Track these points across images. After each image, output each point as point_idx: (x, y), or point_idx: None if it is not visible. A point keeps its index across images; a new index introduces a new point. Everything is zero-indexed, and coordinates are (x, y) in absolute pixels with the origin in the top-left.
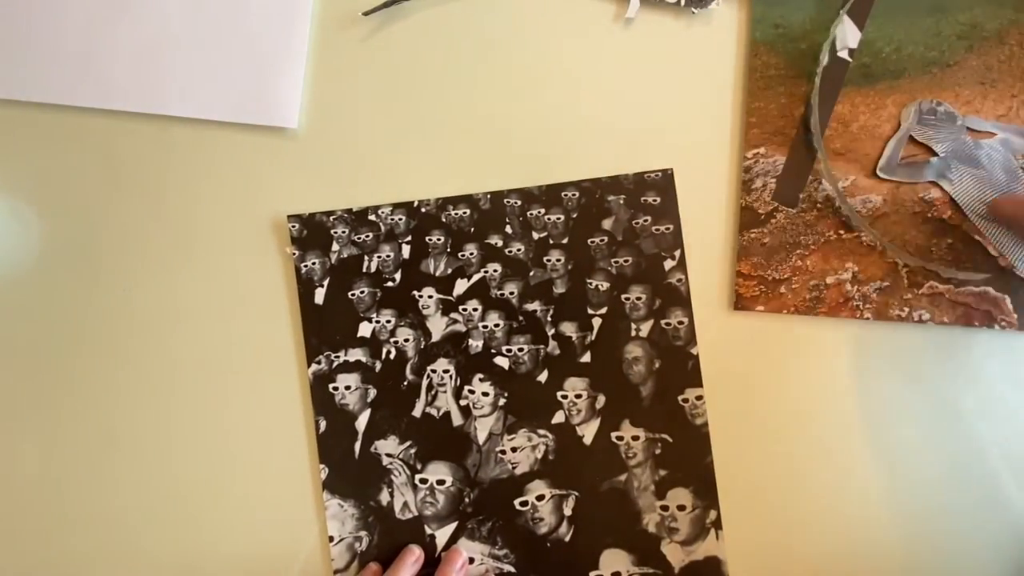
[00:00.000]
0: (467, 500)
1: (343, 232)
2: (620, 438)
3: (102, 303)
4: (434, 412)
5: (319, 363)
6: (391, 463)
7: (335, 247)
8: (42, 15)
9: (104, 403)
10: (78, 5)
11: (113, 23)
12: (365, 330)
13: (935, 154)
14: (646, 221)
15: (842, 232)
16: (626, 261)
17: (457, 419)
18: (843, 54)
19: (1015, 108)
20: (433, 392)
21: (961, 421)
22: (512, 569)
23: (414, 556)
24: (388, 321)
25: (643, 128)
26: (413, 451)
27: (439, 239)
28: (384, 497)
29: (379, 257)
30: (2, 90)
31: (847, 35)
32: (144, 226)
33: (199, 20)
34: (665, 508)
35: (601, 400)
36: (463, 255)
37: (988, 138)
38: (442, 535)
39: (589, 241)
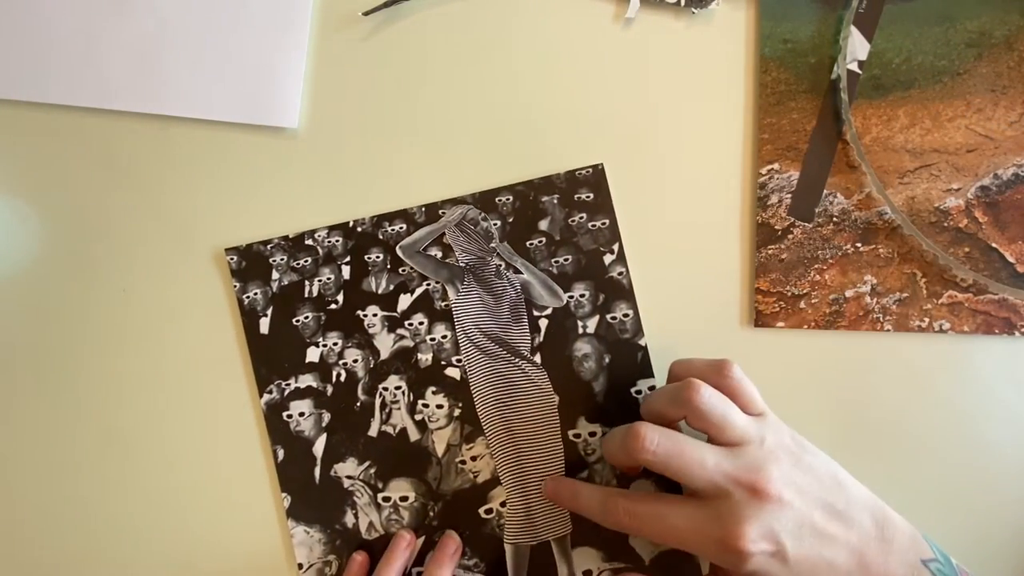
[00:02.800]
0: (432, 514)
1: (281, 259)
2: (577, 435)
3: (100, 303)
4: (390, 430)
5: (271, 392)
6: (352, 485)
7: (275, 275)
8: (41, 15)
9: (87, 408)
10: (77, 5)
11: (112, 23)
12: (313, 355)
13: (455, 259)
14: (581, 218)
15: (859, 245)
16: (566, 260)
17: (414, 434)
18: (852, 66)
19: None
20: (387, 410)
21: (977, 425)
22: None
23: (405, 541)
24: (335, 344)
25: (643, 129)
26: (373, 471)
27: (378, 256)
28: (349, 519)
29: (320, 281)
30: (2, 90)
31: (856, 47)
32: (144, 226)
33: (199, 20)
34: None
35: (555, 400)
36: (404, 270)
37: (514, 273)
38: None
39: (527, 243)
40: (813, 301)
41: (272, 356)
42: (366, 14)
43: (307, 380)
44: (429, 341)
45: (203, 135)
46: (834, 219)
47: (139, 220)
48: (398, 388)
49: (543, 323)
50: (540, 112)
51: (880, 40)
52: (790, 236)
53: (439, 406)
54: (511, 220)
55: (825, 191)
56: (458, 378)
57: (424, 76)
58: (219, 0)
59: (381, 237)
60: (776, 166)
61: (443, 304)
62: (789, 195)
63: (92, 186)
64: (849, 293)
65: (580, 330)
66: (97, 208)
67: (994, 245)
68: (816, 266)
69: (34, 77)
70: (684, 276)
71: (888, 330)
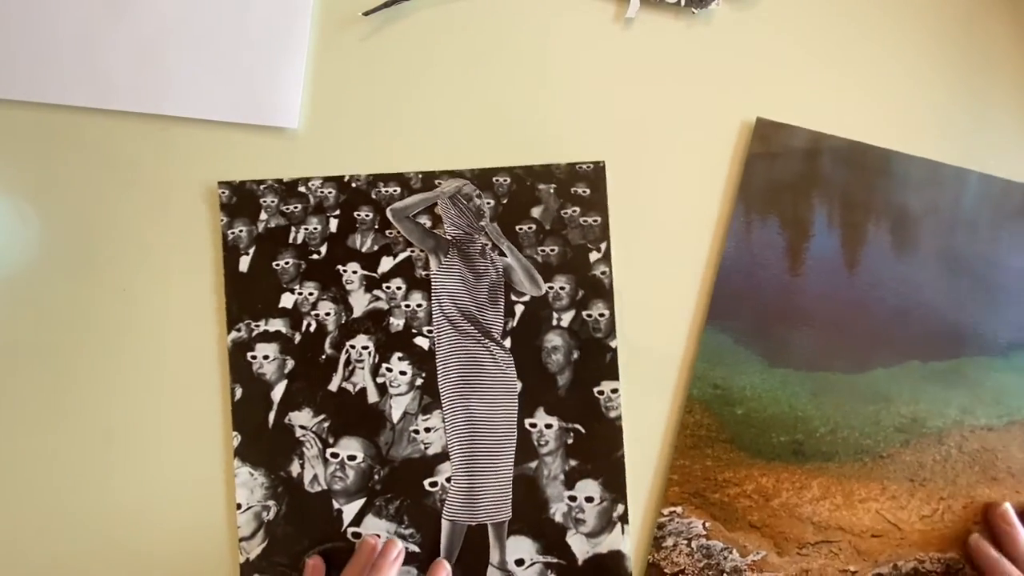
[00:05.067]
0: (377, 477)
1: (272, 201)
2: (533, 425)
3: (100, 302)
4: (350, 387)
5: (239, 331)
6: (304, 435)
7: (263, 216)
8: (42, 15)
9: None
10: (78, 5)
11: (113, 23)
12: (287, 301)
13: (443, 231)
14: (575, 212)
15: None
16: (552, 250)
17: (373, 396)
18: None
19: (940, 511)
20: (351, 367)
21: None
22: (417, 549)
23: (396, 550)
24: (311, 294)
25: (642, 131)
26: (326, 425)
27: (367, 215)
28: (295, 468)
29: (306, 229)
30: (2, 90)
31: None
32: (143, 226)
33: (199, 20)
34: (573, 499)
35: (517, 387)
36: (390, 233)
37: (498, 255)
38: (349, 510)
39: (517, 228)
40: None
41: (247, 295)
42: (366, 14)
43: (277, 325)
44: (404, 307)
45: (203, 135)
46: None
47: (139, 220)
48: (365, 348)
49: (519, 309)
50: (540, 107)
51: (810, 407)
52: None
53: (402, 372)
54: (505, 202)
55: (721, 543)
56: (426, 348)
57: (424, 76)
58: (219, 1)
59: (374, 196)
60: (679, 509)
61: (423, 273)
62: (686, 541)
63: (92, 186)
64: None
65: (554, 322)
66: (97, 207)
67: None
68: None
69: (34, 77)
70: (664, 285)
71: None
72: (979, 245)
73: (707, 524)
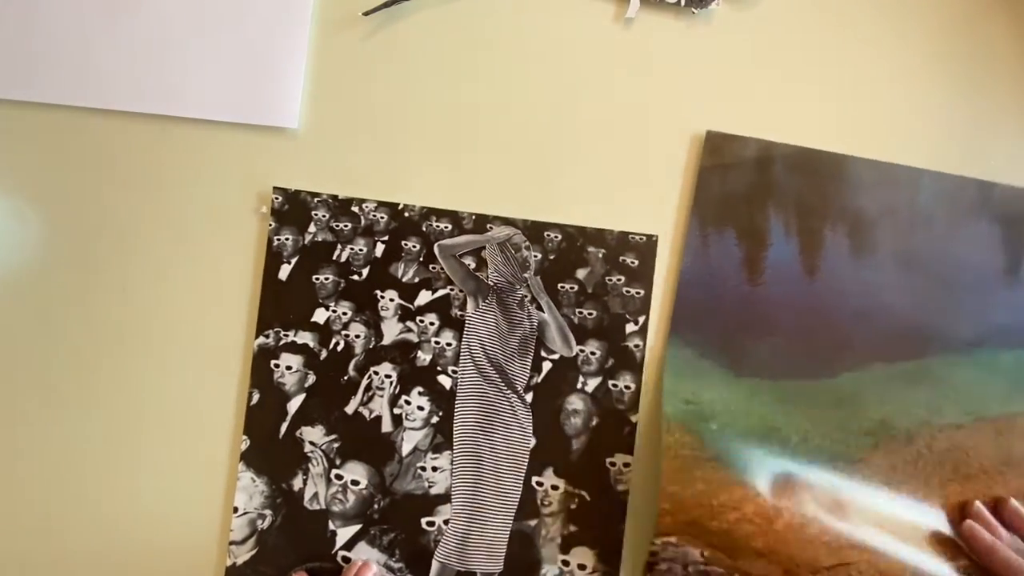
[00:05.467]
0: (376, 506)
1: (323, 216)
2: (540, 484)
3: (100, 302)
4: (366, 413)
5: (267, 336)
6: (312, 452)
7: (312, 228)
8: (42, 15)
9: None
10: (77, 5)
11: (112, 23)
12: (320, 316)
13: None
14: (619, 280)
15: None
16: (590, 314)
17: (387, 426)
18: None
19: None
20: (370, 393)
21: None
22: None
23: (371, 572)
24: (344, 313)
25: (642, 135)
26: (336, 445)
27: (415, 246)
28: (297, 483)
29: (352, 249)
30: (2, 90)
31: None
32: (143, 226)
33: (199, 20)
34: (566, 563)
35: (531, 443)
36: (434, 268)
37: (536, 309)
38: (344, 534)
39: (559, 286)
40: None
41: (281, 303)
42: (366, 14)
43: (306, 338)
44: (433, 343)
45: (203, 135)
46: None
47: (139, 220)
48: (388, 377)
49: (546, 366)
50: (538, 119)
51: (780, 416)
52: None
53: (420, 408)
54: (552, 258)
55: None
56: (448, 387)
57: (424, 76)
58: (220, 1)
59: (424, 229)
60: (673, 539)
61: (459, 313)
62: (680, 566)
63: (92, 186)
64: None
65: (579, 385)
66: (97, 207)
67: None
68: None
69: (34, 77)
70: None
71: None
72: (937, 244)
73: (705, 553)
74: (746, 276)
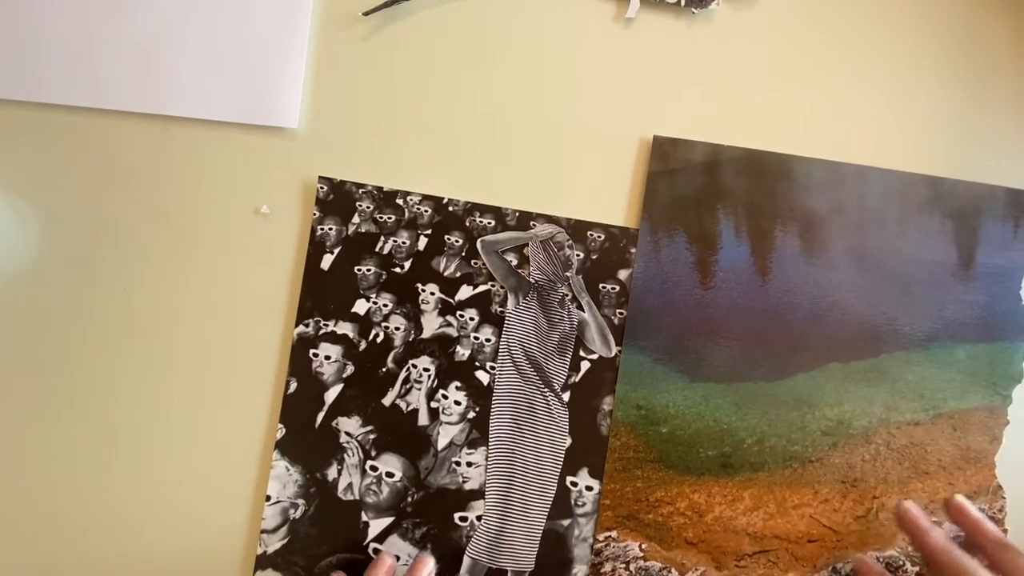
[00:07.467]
0: (410, 499)
1: (367, 207)
2: (574, 484)
3: (101, 302)
4: (403, 405)
5: (307, 325)
6: (348, 442)
7: (355, 219)
8: (41, 15)
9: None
10: (77, 5)
11: (112, 22)
12: (361, 307)
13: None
14: None
15: None
16: None
17: (423, 419)
18: None
19: (874, 510)
20: (408, 386)
21: None
22: None
23: (387, 565)
24: (385, 305)
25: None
26: (372, 437)
27: (457, 240)
28: (331, 473)
29: (395, 241)
30: (2, 90)
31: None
32: (144, 226)
33: (199, 20)
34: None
35: (567, 442)
36: (475, 263)
37: (576, 308)
38: (376, 525)
39: (601, 286)
40: None
41: (322, 293)
42: (366, 14)
43: (346, 328)
44: (472, 338)
45: (203, 135)
46: None
47: (139, 220)
48: (426, 370)
49: (584, 365)
50: (537, 119)
51: (735, 419)
52: None
53: (457, 402)
54: (595, 258)
55: (659, 564)
56: (485, 383)
57: (424, 76)
58: (219, 1)
59: (468, 224)
60: (614, 534)
61: (499, 309)
62: (623, 564)
63: (92, 186)
64: None
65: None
66: (97, 207)
67: None
68: None
69: (34, 77)
70: None
71: None
72: (888, 241)
73: (643, 546)
74: (698, 280)
